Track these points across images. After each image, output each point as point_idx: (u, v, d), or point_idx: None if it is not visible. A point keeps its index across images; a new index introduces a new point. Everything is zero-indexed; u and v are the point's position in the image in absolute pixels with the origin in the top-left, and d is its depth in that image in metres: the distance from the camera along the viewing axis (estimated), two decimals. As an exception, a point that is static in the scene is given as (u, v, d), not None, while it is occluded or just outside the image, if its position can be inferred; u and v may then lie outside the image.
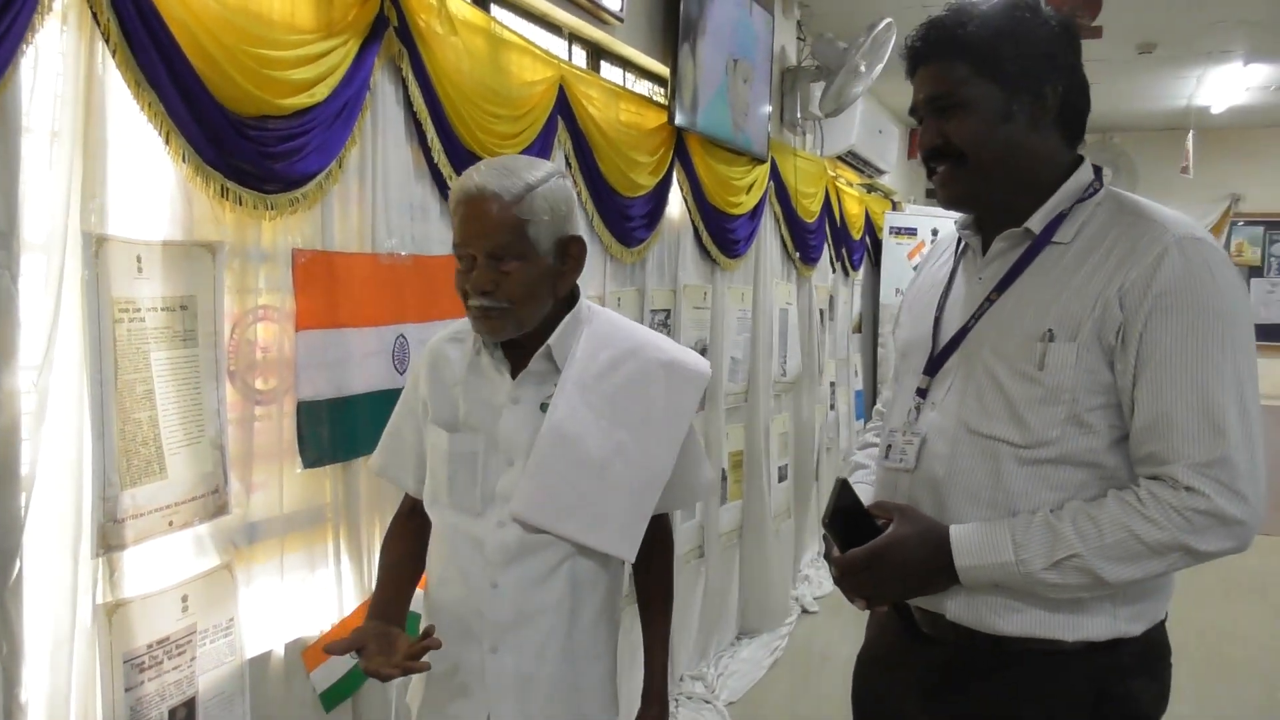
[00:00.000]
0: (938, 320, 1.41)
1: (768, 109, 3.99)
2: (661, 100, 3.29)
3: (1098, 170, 1.35)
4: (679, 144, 3.31)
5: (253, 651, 1.80)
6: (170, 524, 1.62)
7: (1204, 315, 1.19)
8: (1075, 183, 1.32)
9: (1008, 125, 1.30)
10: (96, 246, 1.47)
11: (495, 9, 2.63)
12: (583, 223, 2.85)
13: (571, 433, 1.41)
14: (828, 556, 1.39)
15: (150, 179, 1.58)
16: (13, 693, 1.38)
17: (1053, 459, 1.25)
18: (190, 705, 1.67)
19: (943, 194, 1.36)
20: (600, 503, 1.43)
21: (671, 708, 3.46)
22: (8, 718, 1.37)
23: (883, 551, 1.27)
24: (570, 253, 1.42)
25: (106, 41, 1.45)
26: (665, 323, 3.40)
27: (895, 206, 6.66)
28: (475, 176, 1.37)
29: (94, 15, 1.43)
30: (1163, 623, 1.33)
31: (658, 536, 1.54)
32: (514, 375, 1.45)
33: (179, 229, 1.63)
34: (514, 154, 1.44)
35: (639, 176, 3.04)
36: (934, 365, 1.38)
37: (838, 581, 1.34)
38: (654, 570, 1.56)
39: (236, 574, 1.76)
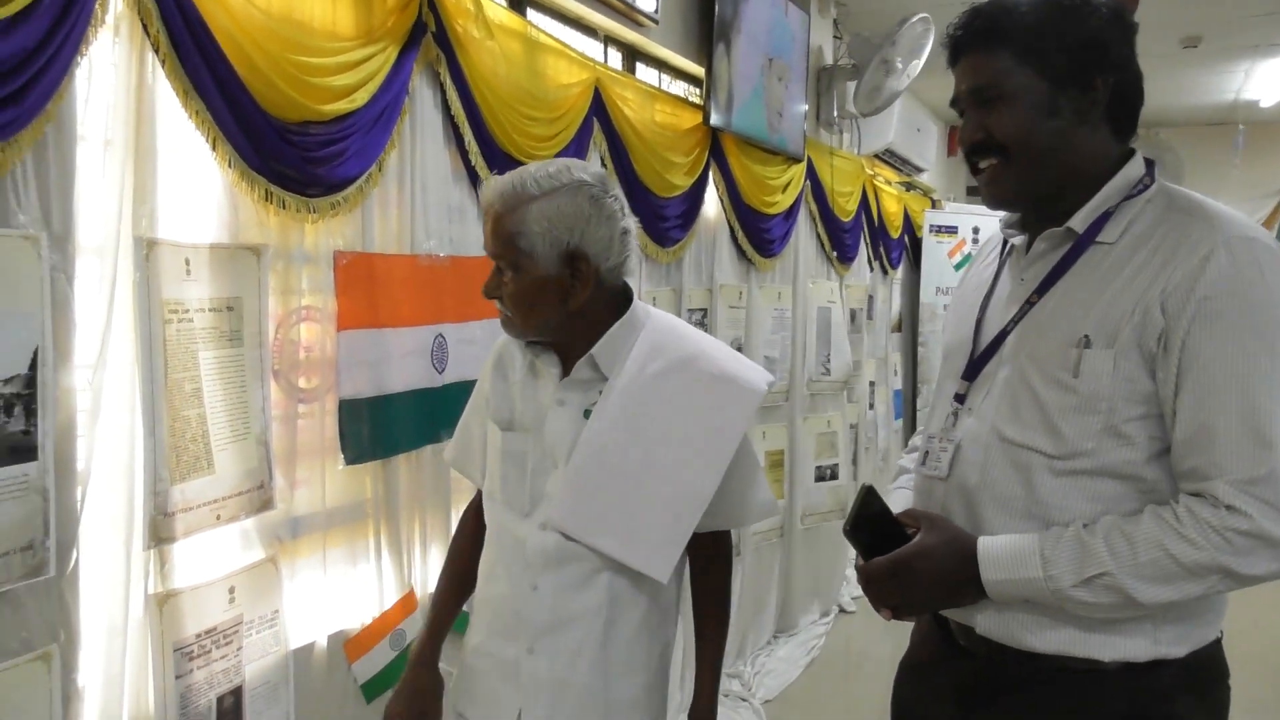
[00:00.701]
0: (979, 323, 1.36)
1: (804, 108, 3.99)
2: (697, 101, 3.30)
3: (1150, 164, 1.27)
4: (714, 144, 3.33)
5: (296, 643, 1.85)
6: (218, 518, 1.67)
7: (1251, 320, 1.12)
8: (1123, 179, 1.25)
9: (1054, 119, 1.23)
10: (147, 250, 1.52)
11: (531, 13, 2.66)
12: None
13: (610, 444, 1.39)
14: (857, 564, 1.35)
15: (198, 184, 1.64)
16: (70, 678, 1.44)
17: (1088, 470, 1.19)
18: (237, 694, 1.72)
19: (986, 192, 1.31)
20: (635, 518, 1.39)
21: (708, 705, 3.50)
22: (66, 702, 1.43)
23: (908, 561, 1.22)
24: (578, 269, 1.36)
25: (156, 52, 1.50)
26: (702, 322, 3.41)
27: (935, 204, 6.61)
28: (489, 185, 1.40)
29: (144, 26, 1.48)
30: (1215, 642, 1.25)
31: (715, 554, 1.51)
32: (564, 376, 1.44)
33: (225, 232, 1.69)
34: (554, 159, 1.43)
35: (674, 177, 3.06)
36: (973, 370, 1.33)
37: (864, 590, 1.29)
38: (709, 589, 1.53)
39: (281, 567, 1.82)
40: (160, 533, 1.56)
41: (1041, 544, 1.17)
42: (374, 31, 1.93)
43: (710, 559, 1.52)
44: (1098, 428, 1.17)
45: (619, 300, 1.43)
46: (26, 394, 1.34)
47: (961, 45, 1.28)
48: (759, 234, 3.69)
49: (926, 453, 1.36)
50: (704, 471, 1.40)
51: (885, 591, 1.26)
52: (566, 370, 1.43)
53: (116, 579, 1.52)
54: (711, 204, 3.42)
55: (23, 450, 1.34)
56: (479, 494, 1.61)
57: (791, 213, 3.95)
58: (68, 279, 1.40)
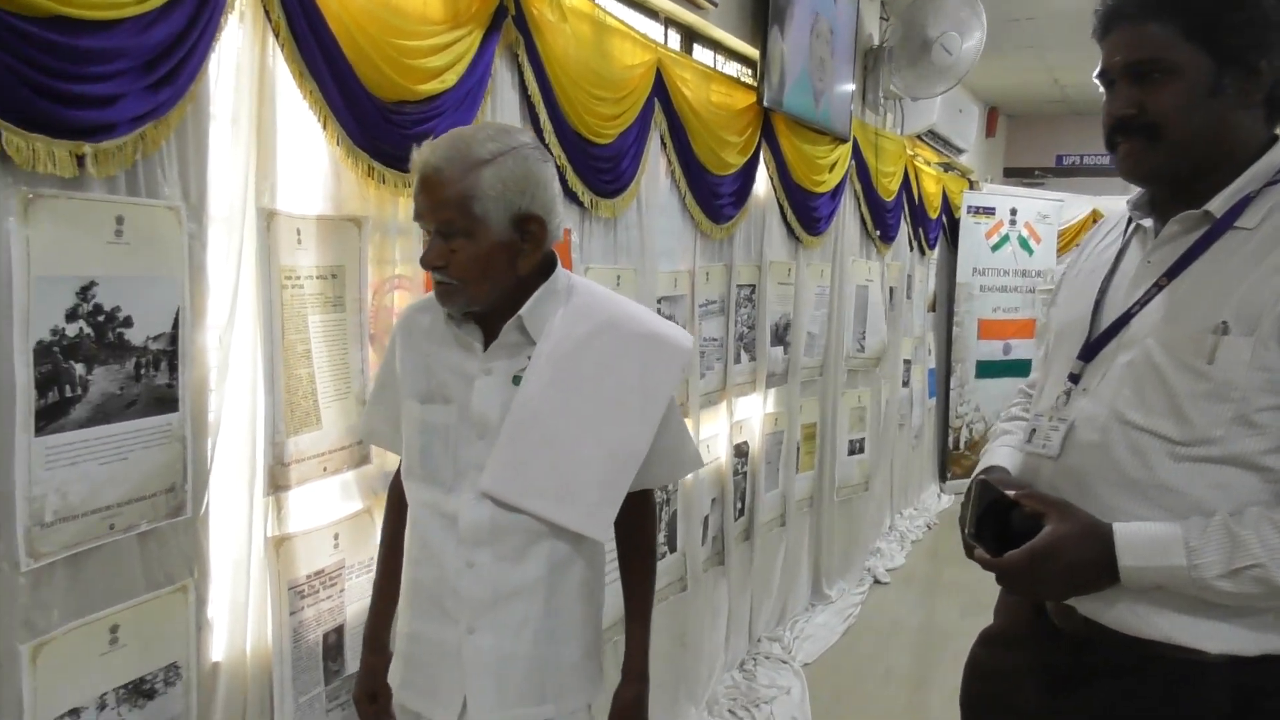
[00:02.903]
0: (1098, 303, 1.32)
1: (851, 88, 4.06)
2: (749, 81, 3.39)
3: None
4: (766, 124, 3.41)
5: (389, 588, 1.99)
6: (324, 469, 1.81)
7: None
8: (1267, 164, 1.21)
9: (1215, 100, 1.19)
10: (268, 220, 1.65)
11: (598, -4, 2.76)
12: (674, 200, 2.99)
13: (543, 408, 1.37)
14: (972, 554, 1.29)
15: (308, 159, 1.76)
16: (202, 610, 1.58)
17: (1214, 458, 1.16)
18: (339, 631, 1.86)
19: (1127, 168, 1.26)
20: (570, 480, 1.39)
21: (750, 666, 3.63)
22: (199, 631, 1.57)
23: (1045, 552, 1.19)
24: (530, 230, 1.36)
25: (276, 36, 1.62)
26: (750, 298, 3.52)
27: (973, 185, 6.65)
28: (427, 151, 1.34)
29: (266, 12, 1.60)
30: None
31: (641, 511, 1.51)
32: (486, 346, 1.41)
33: (330, 205, 1.81)
34: (476, 126, 1.50)
35: (728, 155, 3.16)
36: (1091, 350, 1.30)
37: (1000, 582, 1.27)
38: (637, 546, 1.53)
39: (375, 517, 1.95)
40: (277, 481, 1.70)
41: (1186, 533, 1.14)
42: (460, 15, 2.04)
43: (640, 517, 1.51)
44: (1228, 416, 1.15)
45: (545, 264, 1.42)
46: (170, 350, 1.48)
47: (1120, 15, 1.23)
48: (807, 212, 3.78)
49: (1034, 430, 1.34)
50: (637, 430, 1.41)
51: (1024, 583, 1.24)
52: (489, 338, 1.41)
53: (240, 522, 1.66)
54: (762, 182, 3.51)
55: (167, 401, 1.48)
56: (400, 466, 1.55)
57: (837, 192, 4.03)
58: (201, 246, 1.53)
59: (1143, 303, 1.25)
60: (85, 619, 1.40)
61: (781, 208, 3.65)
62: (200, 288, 1.53)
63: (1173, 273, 1.24)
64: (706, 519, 3.29)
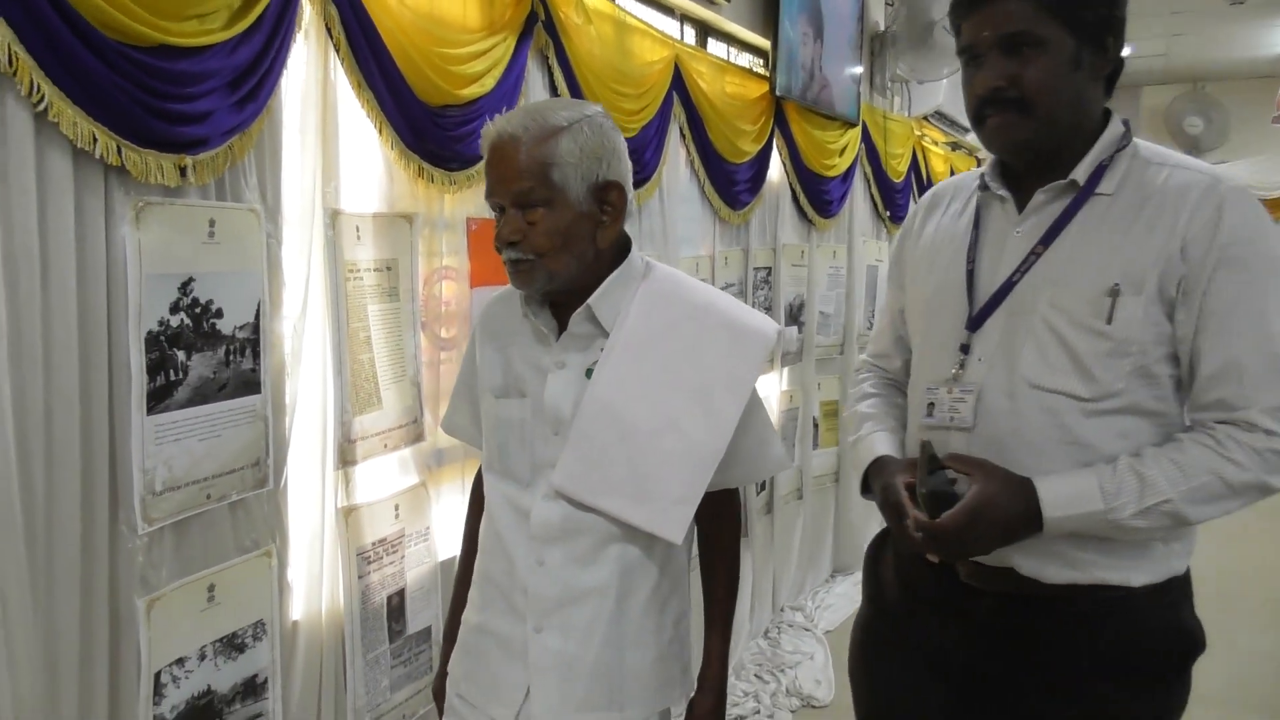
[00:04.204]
0: (970, 274, 1.37)
1: (858, 72, 4.19)
2: (761, 72, 3.53)
3: (1126, 122, 1.35)
4: (778, 112, 3.56)
5: (443, 555, 2.16)
6: (385, 446, 1.97)
7: (1266, 267, 1.22)
8: (1111, 134, 1.31)
9: (1076, 74, 1.27)
10: (333, 219, 1.81)
11: (619, -3, 2.90)
12: (694, 188, 3.14)
13: (617, 401, 1.32)
14: (900, 520, 1.32)
15: (365, 162, 1.92)
16: (283, 573, 1.76)
17: (1118, 409, 1.26)
18: (400, 594, 2.03)
19: (999, 141, 1.32)
20: (647, 478, 1.32)
21: (774, 634, 3.80)
22: (281, 593, 1.75)
23: (980, 510, 1.24)
24: (610, 200, 1.31)
25: (337, 52, 1.78)
26: (766, 280, 3.67)
27: (980, 164, 6.76)
28: (501, 121, 1.30)
29: (328, 30, 1.76)
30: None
31: (724, 513, 1.44)
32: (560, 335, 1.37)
33: (385, 203, 1.97)
34: (545, 100, 1.44)
35: (743, 144, 3.31)
36: (977, 320, 1.35)
37: (927, 543, 1.28)
38: (719, 549, 1.47)
39: (430, 491, 2.12)
40: (346, 456, 1.86)
41: (1100, 479, 1.23)
42: (495, 23, 2.19)
43: (720, 518, 1.44)
44: (1128, 369, 1.25)
45: (620, 247, 1.37)
46: (253, 339, 1.64)
47: None
48: (819, 195, 3.92)
49: (931, 404, 1.37)
50: (717, 425, 1.33)
51: (960, 541, 1.27)
52: (564, 329, 1.36)
53: (314, 494, 1.83)
54: (775, 168, 3.65)
55: (251, 385, 1.65)
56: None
57: (848, 175, 4.17)
58: (277, 243, 1.70)
59: (1022, 271, 1.32)
60: (188, 578, 1.57)
61: (794, 192, 3.79)
62: (277, 281, 1.70)
63: (1047, 240, 1.31)
64: (729, 492, 3.45)
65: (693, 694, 1.44)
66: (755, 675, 3.42)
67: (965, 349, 1.35)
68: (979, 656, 1.36)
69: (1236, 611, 4.15)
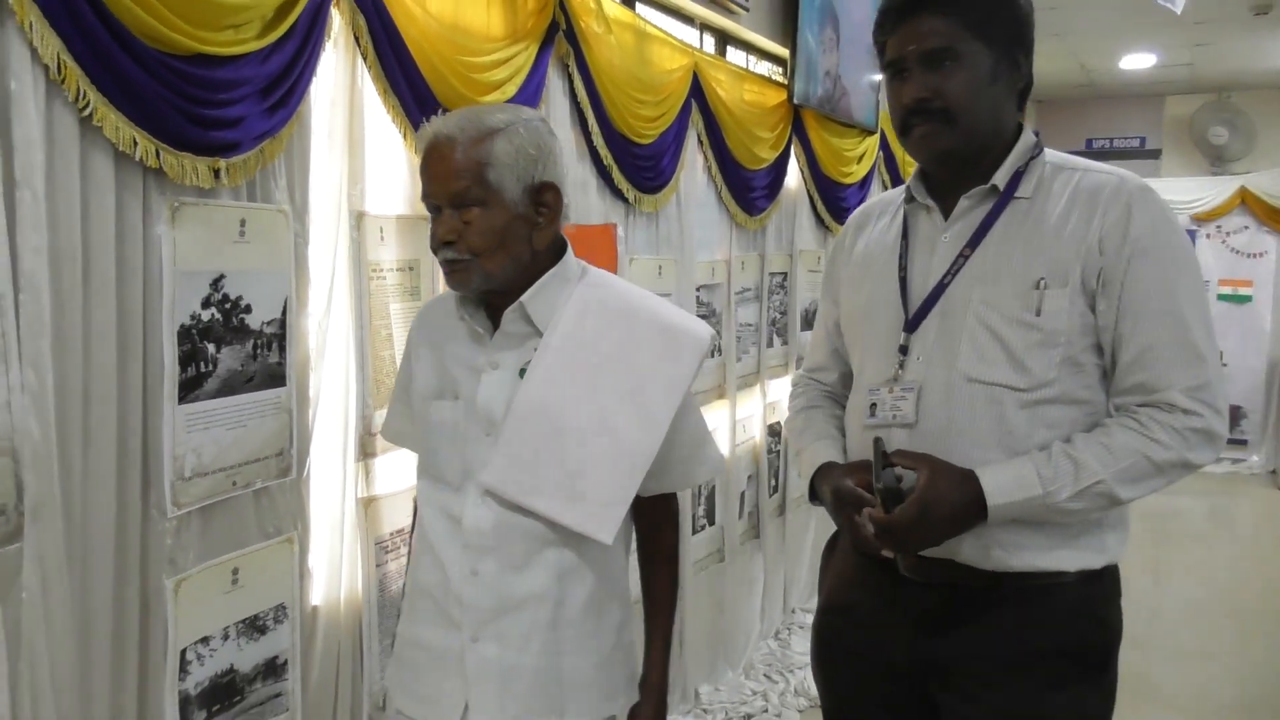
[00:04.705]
0: (903, 280, 1.44)
1: (877, 80, 4.23)
2: (780, 79, 3.59)
3: (1036, 133, 1.44)
4: (796, 119, 3.61)
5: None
6: (404, 439, 2.04)
7: (1174, 257, 1.32)
8: (1025, 143, 1.40)
9: (992, 87, 1.36)
10: (358, 220, 1.88)
11: (639, 6, 2.97)
12: (711, 194, 3.20)
13: (548, 401, 1.33)
14: (851, 517, 1.36)
15: (389, 165, 1.99)
16: (304, 559, 1.83)
17: (1050, 399, 1.33)
18: (417, 584, 2.10)
19: (925, 149, 1.39)
20: (578, 478, 1.32)
21: (785, 635, 3.84)
22: (302, 579, 1.82)
23: (930, 503, 1.29)
24: (545, 201, 1.33)
25: (364, 59, 1.85)
26: (782, 285, 3.72)
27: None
28: (437, 123, 1.32)
29: (356, 39, 1.83)
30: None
31: (664, 519, 1.45)
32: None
33: (407, 205, 2.04)
34: (481, 105, 1.49)
35: (761, 151, 3.36)
36: (914, 323, 1.41)
37: (881, 537, 1.33)
38: (659, 557, 1.46)
39: (447, 484, 2.19)
40: (366, 449, 1.94)
41: (1036, 465, 1.29)
42: (518, 32, 2.26)
43: (660, 524, 1.46)
44: (1058, 359, 1.32)
45: (556, 249, 1.39)
46: (280, 334, 1.72)
47: (915, 7, 1.36)
48: (835, 202, 3.97)
49: (873, 405, 1.41)
50: (650, 426, 1.34)
51: (912, 534, 1.31)
52: (498, 329, 1.37)
53: (335, 484, 1.90)
54: (793, 175, 3.71)
55: (277, 377, 1.72)
56: None
57: (865, 182, 4.21)
58: (305, 244, 1.77)
59: (953, 273, 1.39)
60: (213, 561, 1.65)
61: (811, 198, 3.84)
62: (304, 280, 1.77)
63: (974, 242, 1.39)
64: (743, 494, 3.51)
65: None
66: (765, 675, 3.47)
67: (904, 350, 1.41)
68: (919, 645, 1.41)
69: (1250, 626, 4.17)
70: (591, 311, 1.36)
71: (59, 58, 1.29)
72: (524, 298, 1.34)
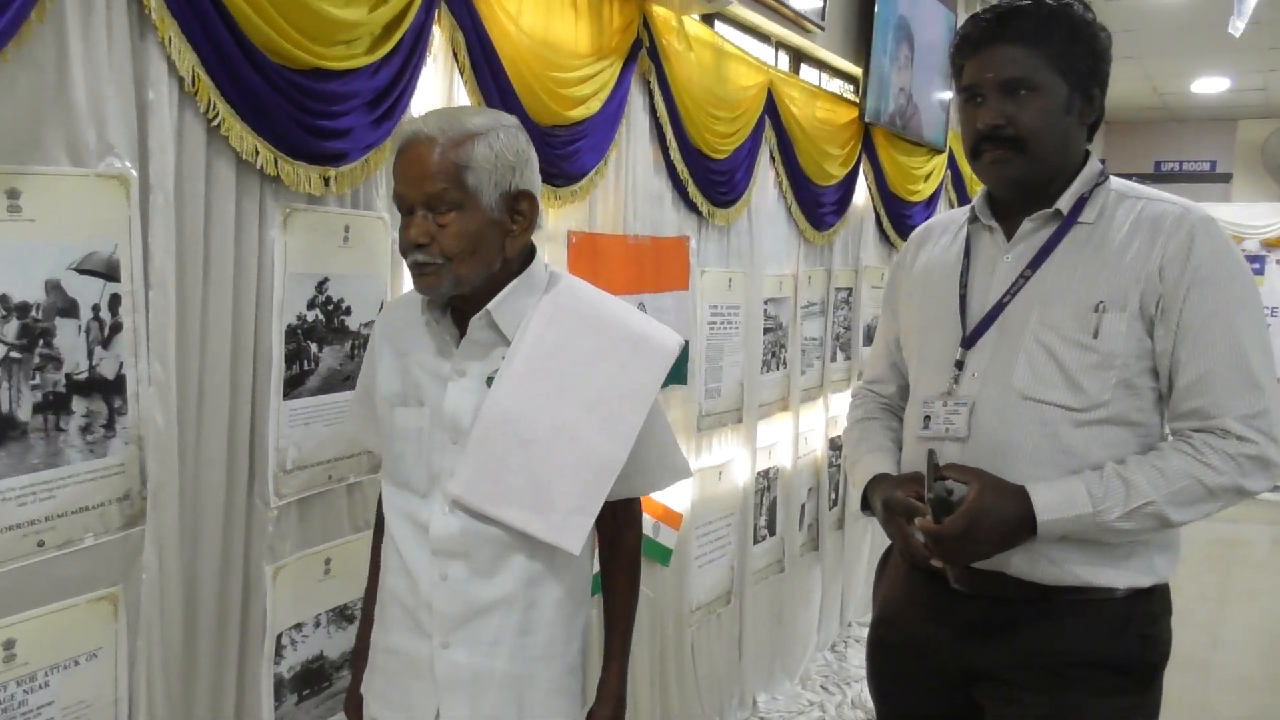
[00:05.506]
0: (963, 298, 1.48)
1: (947, 99, 4.24)
2: (852, 97, 3.61)
3: (1102, 161, 1.48)
4: (866, 137, 3.63)
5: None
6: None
7: (1234, 287, 1.33)
8: (1090, 170, 1.44)
9: (1066, 118, 1.39)
10: (450, 228, 1.95)
11: (718, 24, 3.02)
12: (781, 209, 3.23)
13: (516, 410, 1.31)
14: (902, 526, 1.41)
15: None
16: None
17: (1104, 420, 1.35)
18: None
19: (996, 175, 1.43)
20: (545, 488, 1.32)
21: (841, 648, 3.85)
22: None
23: (978, 516, 1.31)
24: (521, 209, 1.32)
25: (461, 74, 1.92)
26: (847, 300, 3.74)
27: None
28: (417, 122, 1.31)
29: (454, 54, 1.91)
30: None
31: (626, 522, 1.46)
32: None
33: (495, 214, 2.11)
34: (459, 106, 1.47)
35: (831, 167, 3.39)
36: (971, 338, 1.44)
37: (929, 547, 1.36)
38: (619, 558, 1.47)
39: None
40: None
41: (1087, 484, 1.32)
42: (604, 48, 2.32)
43: (622, 527, 1.46)
44: (1113, 381, 1.35)
45: (525, 258, 1.37)
46: (376, 335, 1.79)
47: (994, 35, 1.40)
48: (902, 219, 3.98)
49: (927, 417, 1.45)
50: (617, 435, 1.33)
51: (961, 545, 1.34)
52: (465, 336, 1.35)
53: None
54: (861, 192, 3.73)
55: (372, 377, 1.79)
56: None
57: (932, 200, 4.21)
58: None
59: (1013, 292, 1.43)
60: (308, 550, 1.72)
61: (878, 215, 3.86)
62: (398, 283, 1.85)
63: (1035, 264, 1.43)
64: (803, 507, 3.53)
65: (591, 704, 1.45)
66: (821, 686, 3.48)
67: (960, 365, 1.45)
68: (967, 654, 1.44)
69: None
70: (559, 320, 1.35)
71: (194, 71, 1.38)
72: (490, 305, 1.32)
